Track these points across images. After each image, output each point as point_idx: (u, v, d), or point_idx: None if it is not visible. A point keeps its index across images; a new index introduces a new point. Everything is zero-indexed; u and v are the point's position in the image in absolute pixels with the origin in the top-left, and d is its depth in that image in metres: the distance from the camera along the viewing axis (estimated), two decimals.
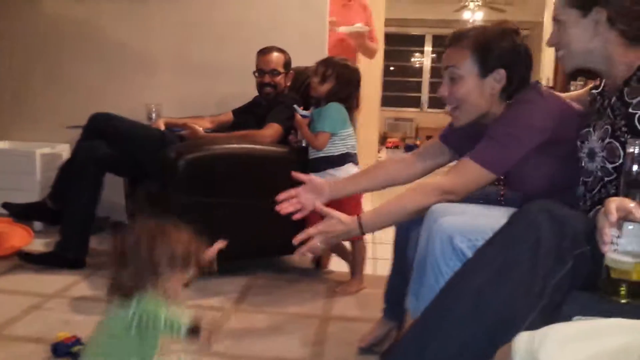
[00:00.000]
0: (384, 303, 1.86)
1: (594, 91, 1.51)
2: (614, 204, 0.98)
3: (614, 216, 0.97)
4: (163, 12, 3.39)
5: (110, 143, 2.64)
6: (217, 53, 3.36)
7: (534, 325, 0.85)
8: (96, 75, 3.45)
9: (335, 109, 2.41)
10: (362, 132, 3.26)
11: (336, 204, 2.12)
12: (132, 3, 3.38)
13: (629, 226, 0.97)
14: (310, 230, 1.57)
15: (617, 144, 1.30)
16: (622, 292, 0.97)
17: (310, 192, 1.73)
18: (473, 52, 1.53)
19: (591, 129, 1.41)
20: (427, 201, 1.50)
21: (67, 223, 2.58)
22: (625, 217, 0.97)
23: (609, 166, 1.32)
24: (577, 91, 1.76)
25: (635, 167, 1.03)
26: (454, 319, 1.01)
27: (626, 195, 1.01)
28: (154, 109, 2.97)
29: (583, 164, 1.43)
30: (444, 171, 1.66)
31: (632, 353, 0.72)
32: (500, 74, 1.53)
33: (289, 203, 1.70)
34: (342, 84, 2.42)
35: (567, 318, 0.93)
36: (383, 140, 9.23)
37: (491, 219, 1.30)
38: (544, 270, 1.02)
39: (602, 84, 1.48)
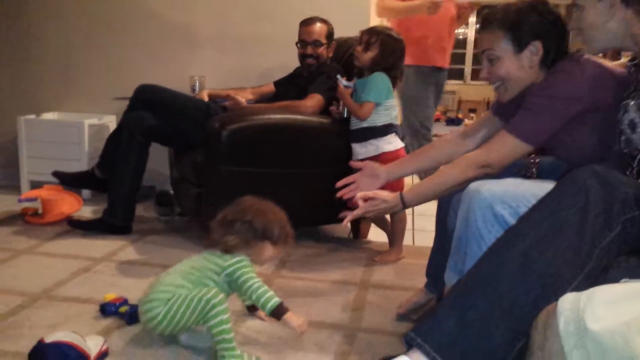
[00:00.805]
0: (426, 276, 1.87)
1: (629, 63, 1.51)
2: None
3: None
4: None
5: (156, 114, 2.68)
6: (259, 25, 3.36)
7: (579, 289, 0.84)
8: (142, 48, 3.50)
9: (381, 79, 2.39)
10: None
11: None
12: None
13: None
14: (356, 212, 1.65)
15: None
16: None
17: (368, 177, 1.80)
18: (505, 32, 1.56)
19: (629, 101, 1.41)
20: (465, 175, 1.54)
21: (115, 191, 2.65)
22: None
23: None
24: (620, 61, 1.73)
25: None
26: (498, 281, 1.01)
27: None
28: (197, 81, 3.02)
29: (625, 136, 1.41)
30: None
31: None
32: (536, 45, 1.55)
33: (348, 189, 1.76)
34: (386, 52, 2.39)
35: (614, 282, 0.92)
36: None
37: (533, 187, 1.28)
38: (592, 235, 1.00)
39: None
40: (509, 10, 1.58)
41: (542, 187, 1.16)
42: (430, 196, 1.64)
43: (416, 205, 1.68)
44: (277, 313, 1.51)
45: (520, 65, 1.57)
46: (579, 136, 1.49)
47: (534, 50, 1.55)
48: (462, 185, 1.54)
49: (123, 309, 1.78)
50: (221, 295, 1.48)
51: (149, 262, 2.31)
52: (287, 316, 1.51)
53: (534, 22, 1.55)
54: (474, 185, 1.45)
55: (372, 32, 2.41)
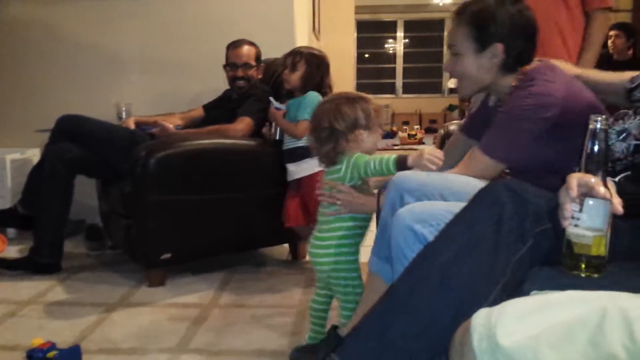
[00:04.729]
0: None
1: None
2: (576, 179, 0.99)
3: (574, 191, 0.98)
4: (129, 11, 3.35)
5: (79, 145, 2.60)
6: (185, 50, 3.33)
7: (496, 303, 0.85)
8: (64, 77, 3.40)
9: (315, 97, 2.40)
10: None
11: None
12: (97, 3, 3.34)
13: (590, 201, 0.98)
14: (339, 191, 1.67)
15: None
16: (583, 266, 0.98)
17: None
18: (470, 29, 1.56)
19: (631, 112, 1.36)
20: None
21: (40, 227, 2.55)
22: (587, 193, 0.98)
23: None
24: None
25: (595, 144, 1.03)
26: (417, 298, 1.01)
27: (587, 171, 1.02)
28: (123, 108, 2.95)
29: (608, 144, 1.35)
30: None
31: (587, 322, 0.73)
32: (497, 48, 1.54)
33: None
34: (313, 68, 2.41)
35: (527, 294, 0.94)
36: None
37: (452, 205, 1.29)
38: (506, 249, 1.02)
39: None
40: (480, 5, 1.56)
41: (461, 205, 1.17)
42: None
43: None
44: (400, 163, 1.52)
45: (479, 66, 1.56)
46: (540, 150, 1.49)
47: (495, 52, 1.54)
48: None
49: (51, 354, 1.70)
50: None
51: (79, 301, 2.22)
52: (410, 162, 1.52)
53: (500, 22, 1.52)
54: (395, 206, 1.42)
55: (295, 53, 2.44)
